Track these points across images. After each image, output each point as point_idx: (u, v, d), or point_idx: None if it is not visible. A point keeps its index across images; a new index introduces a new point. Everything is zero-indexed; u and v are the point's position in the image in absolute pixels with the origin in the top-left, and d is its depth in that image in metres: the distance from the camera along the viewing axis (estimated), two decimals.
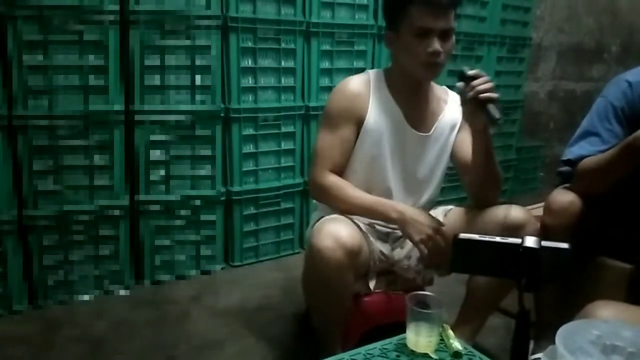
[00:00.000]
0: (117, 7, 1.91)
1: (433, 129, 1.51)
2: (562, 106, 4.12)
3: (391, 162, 1.49)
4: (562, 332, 0.79)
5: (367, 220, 1.50)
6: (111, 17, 1.89)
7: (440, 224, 1.42)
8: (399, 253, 1.52)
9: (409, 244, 1.51)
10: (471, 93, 1.27)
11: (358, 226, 1.43)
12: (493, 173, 1.43)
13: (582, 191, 1.46)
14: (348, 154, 1.48)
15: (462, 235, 0.92)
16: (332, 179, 1.45)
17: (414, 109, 1.49)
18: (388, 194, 1.51)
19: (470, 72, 1.30)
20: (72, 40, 1.86)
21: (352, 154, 1.49)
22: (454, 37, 1.40)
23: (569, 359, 0.73)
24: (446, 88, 1.61)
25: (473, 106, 1.30)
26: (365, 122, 1.46)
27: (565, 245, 0.88)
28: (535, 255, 0.85)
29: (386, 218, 1.42)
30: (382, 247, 1.51)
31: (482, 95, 1.27)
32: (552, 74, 4.03)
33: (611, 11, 4.11)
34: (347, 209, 1.43)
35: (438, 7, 1.34)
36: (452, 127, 1.54)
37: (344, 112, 1.45)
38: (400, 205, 1.43)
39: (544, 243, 0.86)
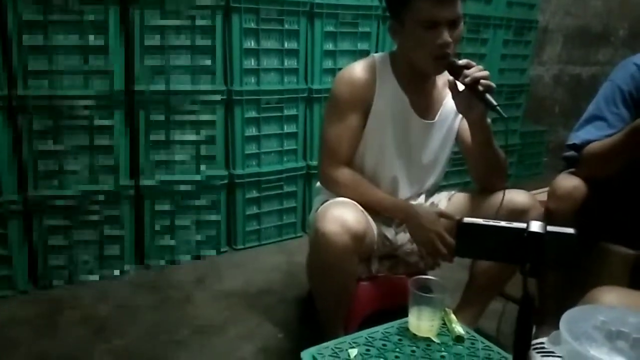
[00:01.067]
0: None
1: (437, 115, 1.49)
2: (568, 91, 4.07)
3: (396, 149, 1.47)
4: (566, 318, 0.79)
5: None
6: None
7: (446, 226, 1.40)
8: (402, 237, 1.51)
9: None
10: (468, 79, 1.24)
11: (362, 210, 1.42)
12: (496, 161, 1.42)
13: (588, 176, 1.45)
14: (357, 143, 1.46)
15: (466, 220, 0.90)
16: (346, 175, 1.44)
17: (419, 95, 1.46)
18: (394, 181, 1.50)
19: (460, 62, 1.27)
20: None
21: (364, 143, 1.47)
22: (462, 25, 1.34)
23: (573, 345, 0.73)
24: None
25: (467, 96, 1.28)
26: (372, 108, 1.43)
27: (571, 231, 0.86)
28: (541, 240, 0.84)
29: (399, 219, 1.45)
30: (386, 231, 1.50)
31: (481, 82, 1.23)
32: (558, 57, 3.98)
33: None
34: (361, 204, 1.40)
35: None
36: (457, 113, 1.51)
37: (351, 100, 1.42)
38: (412, 208, 1.43)
39: (550, 228, 0.85)
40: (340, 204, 1.33)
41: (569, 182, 1.45)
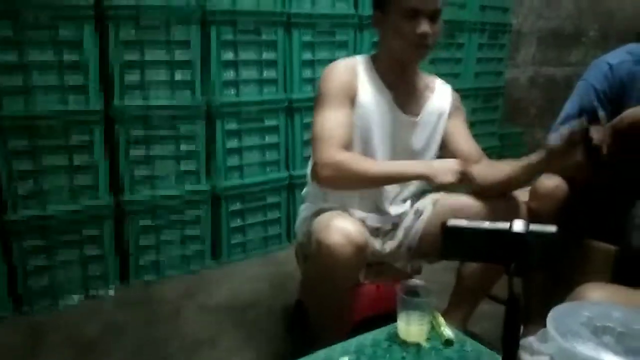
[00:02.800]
0: (92, 2, 1.86)
1: (420, 114, 1.49)
2: (543, 92, 4.14)
3: (381, 144, 1.46)
4: (552, 315, 0.79)
5: (357, 216, 1.48)
6: (87, 12, 1.85)
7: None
8: (390, 245, 1.52)
9: (399, 235, 1.51)
10: (596, 141, 1.19)
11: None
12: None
13: (568, 175, 1.47)
14: (350, 130, 1.40)
15: (451, 222, 0.91)
16: (346, 154, 1.35)
17: (402, 92, 1.47)
18: None
19: (596, 138, 1.19)
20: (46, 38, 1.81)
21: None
22: (441, 20, 1.38)
23: (561, 342, 0.74)
24: (434, 76, 1.59)
25: (573, 153, 1.23)
26: (357, 103, 1.42)
27: (552, 229, 0.88)
28: (524, 239, 0.85)
29: (416, 176, 1.38)
30: (374, 242, 1.50)
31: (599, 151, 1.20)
32: (532, 59, 4.04)
33: None
34: (370, 180, 1.37)
35: None
36: (440, 115, 1.52)
37: (340, 90, 1.40)
38: (423, 161, 1.44)
39: (532, 227, 0.86)
40: (340, 216, 1.31)
41: (550, 182, 1.47)
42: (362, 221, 1.47)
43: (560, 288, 1.21)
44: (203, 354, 1.66)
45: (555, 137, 1.24)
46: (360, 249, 1.25)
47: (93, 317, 1.87)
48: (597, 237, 1.59)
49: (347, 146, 1.38)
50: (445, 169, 1.34)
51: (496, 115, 3.37)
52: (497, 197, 1.41)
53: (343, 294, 1.34)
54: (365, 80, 1.44)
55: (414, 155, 1.50)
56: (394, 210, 1.52)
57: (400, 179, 1.42)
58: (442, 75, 2.91)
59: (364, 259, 1.32)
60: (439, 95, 1.53)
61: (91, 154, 1.94)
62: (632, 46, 1.50)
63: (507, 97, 3.61)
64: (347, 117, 1.39)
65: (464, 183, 1.38)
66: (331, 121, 1.37)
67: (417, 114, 1.49)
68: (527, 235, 0.85)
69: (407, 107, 1.47)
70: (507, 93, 3.55)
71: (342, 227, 1.24)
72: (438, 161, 1.42)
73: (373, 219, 1.51)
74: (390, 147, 1.48)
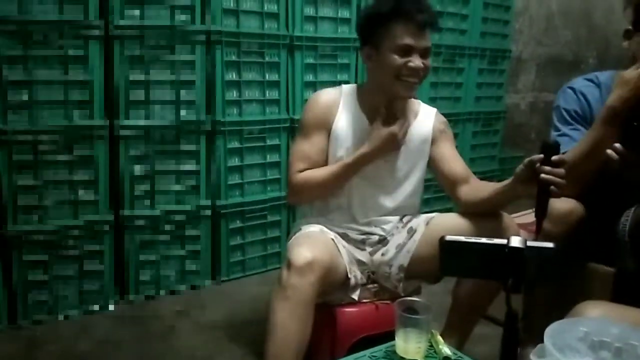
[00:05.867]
0: (100, 22, 1.90)
1: (403, 140, 1.52)
2: (543, 117, 4.18)
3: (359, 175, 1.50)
4: (550, 331, 0.79)
5: (340, 230, 1.52)
6: (95, 32, 1.89)
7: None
8: (379, 258, 1.52)
9: (390, 252, 1.51)
10: (543, 177, 1.19)
11: (333, 238, 1.46)
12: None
13: (570, 190, 1.48)
14: (322, 159, 1.51)
15: (449, 238, 0.92)
16: (302, 174, 1.49)
17: (383, 121, 1.49)
18: (351, 204, 1.54)
19: (555, 158, 1.20)
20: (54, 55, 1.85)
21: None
22: (430, 58, 1.44)
23: (558, 356, 0.73)
24: (419, 101, 1.62)
25: (533, 182, 1.23)
26: (332, 130, 1.50)
27: (550, 245, 0.88)
28: (521, 254, 0.85)
29: (361, 166, 1.47)
30: (359, 255, 1.52)
31: (550, 188, 1.20)
32: (532, 85, 4.09)
33: (587, 24, 4.21)
34: (326, 188, 1.49)
35: (421, 26, 1.38)
36: (424, 141, 1.56)
37: (315, 121, 1.51)
38: (359, 151, 1.47)
39: (529, 243, 0.87)
40: (306, 236, 1.40)
41: (565, 205, 1.47)
42: (345, 235, 1.52)
43: (562, 308, 1.21)
44: None
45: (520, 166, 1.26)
46: (322, 268, 1.28)
47: (89, 332, 1.86)
48: (600, 259, 1.60)
49: (315, 167, 1.50)
50: (381, 140, 1.44)
51: (496, 139, 3.40)
52: (489, 216, 1.43)
53: (305, 316, 1.31)
54: (345, 109, 1.51)
55: (391, 180, 1.54)
56: (373, 217, 1.55)
57: (348, 170, 1.47)
58: (443, 99, 2.96)
59: (329, 278, 1.35)
60: (423, 120, 1.56)
61: (93, 169, 1.96)
62: (594, 73, 1.63)
63: (508, 122, 3.65)
64: (318, 146, 1.50)
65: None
66: (302, 151, 1.51)
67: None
68: (524, 250, 0.86)
69: None
70: (508, 118, 3.59)
71: (304, 250, 1.29)
72: (373, 136, 1.46)
73: (354, 232, 1.53)
74: (367, 176, 1.51)
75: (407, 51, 1.38)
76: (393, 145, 1.47)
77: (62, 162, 1.91)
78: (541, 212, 1.21)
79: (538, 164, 1.21)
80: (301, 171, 1.49)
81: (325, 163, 1.52)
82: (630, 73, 1.36)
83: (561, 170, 1.20)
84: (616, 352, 0.73)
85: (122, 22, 1.95)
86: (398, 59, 1.38)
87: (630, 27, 1.45)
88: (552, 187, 1.20)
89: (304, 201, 1.59)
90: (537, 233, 1.21)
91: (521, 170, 1.26)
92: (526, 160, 1.25)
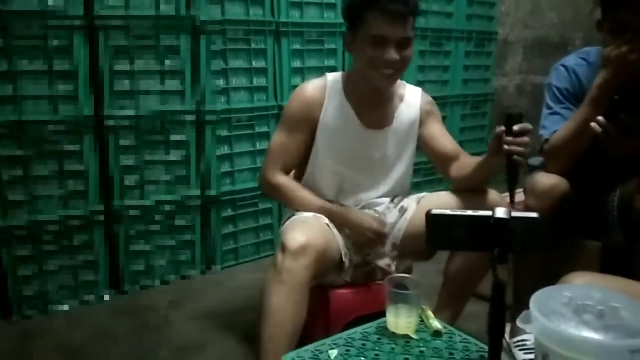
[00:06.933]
0: (84, 12, 1.89)
1: (390, 126, 1.54)
2: (531, 99, 4.20)
3: (345, 159, 1.52)
4: (535, 297, 0.81)
5: None
6: (78, 22, 1.87)
7: (381, 224, 1.49)
8: None
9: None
10: (506, 147, 1.24)
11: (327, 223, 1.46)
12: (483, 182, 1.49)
13: (556, 170, 1.51)
14: (300, 156, 1.53)
15: (435, 211, 0.93)
16: (282, 179, 1.51)
17: (368, 110, 1.51)
18: (343, 188, 1.55)
19: (516, 128, 1.24)
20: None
21: (315, 156, 1.52)
22: (412, 47, 1.40)
23: (543, 321, 0.75)
24: (404, 82, 1.61)
25: (502, 153, 1.27)
26: (320, 123, 1.49)
27: (534, 215, 0.89)
28: (506, 225, 0.86)
29: (336, 223, 1.47)
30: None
31: (514, 157, 1.24)
32: (520, 68, 4.11)
33: (572, 6, 4.22)
34: (295, 207, 1.50)
35: (395, 16, 1.33)
36: (411, 123, 1.57)
37: (298, 116, 1.50)
38: (342, 210, 1.49)
39: (514, 213, 0.88)
40: (300, 221, 1.40)
41: (548, 180, 1.50)
42: None
43: (551, 282, 1.23)
44: (193, 359, 1.65)
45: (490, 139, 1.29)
46: (317, 252, 1.29)
47: (83, 323, 1.86)
48: (586, 234, 1.62)
49: (291, 168, 1.56)
50: (362, 229, 1.45)
51: (485, 122, 3.41)
52: (477, 193, 1.45)
53: (300, 300, 1.31)
54: (330, 100, 1.50)
55: (382, 165, 1.56)
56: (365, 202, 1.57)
57: (324, 213, 1.47)
58: (430, 83, 2.96)
59: (325, 261, 1.36)
60: (409, 103, 1.57)
61: (82, 161, 1.95)
62: (585, 50, 1.63)
63: (496, 105, 3.66)
64: (298, 142, 1.51)
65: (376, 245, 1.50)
66: (281, 144, 1.51)
67: (387, 125, 1.53)
68: (509, 221, 0.87)
69: (374, 123, 1.52)
70: (496, 100, 3.60)
71: (298, 234, 1.29)
72: (359, 218, 1.48)
73: None
74: (355, 161, 1.53)
75: (380, 42, 1.35)
76: (376, 245, 1.50)
77: (50, 154, 1.90)
78: (511, 181, 1.24)
79: (503, 135, 1.24)
80: (279, 169, 1.51)
81: (303, 160, 1.53)
82: (609, 52, 1.38)
83: (524, 139, 1.23)
84: (599, 314, 0.75)
85: (106, 12, 1.94)
86: (372, 51, 1.36)
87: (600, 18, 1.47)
88: (515, 156, 1.22)
89: (270, 198, 1.59)
90: (510, 203, 1.24)
91: (490, 143, 1.30)
92: (494, 132, 1.28)
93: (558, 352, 0.73)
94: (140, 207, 2.09)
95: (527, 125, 1.26)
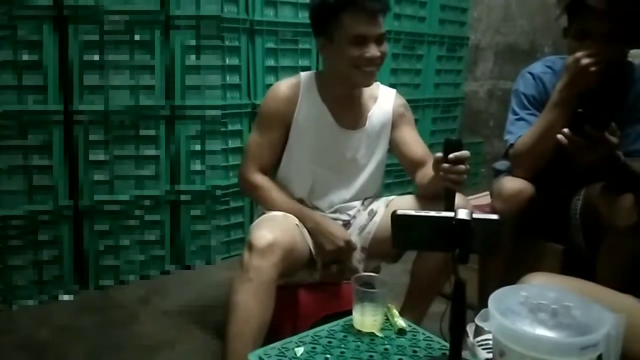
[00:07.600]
0: (50, 2, 1.85)
1: (364, 125, 1.56)
2: (501, 104, 4.30)
3: (318, 158, 1.53)
4: (494, 296, 0.84)
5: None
6: (46, 12, 1.84)
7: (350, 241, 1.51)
8: None
9: (353, 234, 1.55)
10: (442, 174, 1.27)
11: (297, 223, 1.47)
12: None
13: (525, 171, 1.56)
14: (276, 154, 1.55)
15: (400, 212, 0.95)
16: (260, 180, 1.52)
17: (343, 110, 1.53)
18: (315, 188, 1.57)
19: (451, 156, 1.26)
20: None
21: (288, 154, 1.54)
22: (386, 42, 1.44)
23: (500, 319, 0.78)
24: (378, 83, 1.63)
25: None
26: (294, 122, 1.50)
27: (494, 217, 0.93)
28: (468, 226, 0.89)
29: (308, 224, 1.49)
30: None
31: (449, 186, 1.26)
32: (490, 73, 4.20)
33: (543, 14, 4.33)
34: (271, 207, 1.50)
35: (372, 14, 1.36)
36: (384, 124, 1.59)
37: (272, 115, 1.52)
38: (316, 216, 1.50)
39: (475, 215, 0.91)
40: (269, 220, 1.41)
41: (514, 184, 1.55)
42: None
43: (514, 283, 1.27)
44: (160, 357, 1.64)
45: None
46: (282, 250, 1.30)
47: (48, 321, 1.83)
48: (550, 237, 1.68)
49: (268, 167, 1.55)
50: (330, 238, 1.47)
51: (455, 125, 3.48)
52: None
53: (266, 299, 1.33)
54: (304, 99, 1.51)
55: (353, 166, 1.58)
56: (337, 204, 1.59)
57: (298, 216, 1.50)
58: (403, 86, 3.00)
59: (291, 260, 1.37)
60: (382, 105, 1.59)
61: (49, 155, 1.92)
62: (551, 58, 1.69)
63: (468, 109, 3.74)
64: (274, 141, 1.53)
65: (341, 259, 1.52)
66: (258, 144, 1.53)
67: (360, 126, 1.56)
68: (470, 222, 0.90)
69: (347, 122, 1.54)
70: (466, 105, 3.67)
71: (264, 233, 1.31)
72: (330, 226, 1.50)
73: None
74: (328, 160, 1.55)
75: (361, 41, 1.37)
76: (344, 256, 1.52)
77: (16, 147, 1.86)
78: (447, 206, 1.25)
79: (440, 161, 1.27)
80: (257, 169, 1.52)
81: (278, 158, 1.55)
82: (568, 59, 1.44)
83: (459, 167, 1.25)
84: (553, 313, 0.78)
85: (76, 3, 1.91)
86: (354, 50, 1.38)
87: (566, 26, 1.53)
88: (447, 183, 1.25)
89: (247, 197, 1.59)
90: None
91: (433, 166, 1.32)
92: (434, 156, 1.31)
93: (514, 349, 0.76)
94: (108, 202, 2.07)
95: (464, 153, 1.27)
